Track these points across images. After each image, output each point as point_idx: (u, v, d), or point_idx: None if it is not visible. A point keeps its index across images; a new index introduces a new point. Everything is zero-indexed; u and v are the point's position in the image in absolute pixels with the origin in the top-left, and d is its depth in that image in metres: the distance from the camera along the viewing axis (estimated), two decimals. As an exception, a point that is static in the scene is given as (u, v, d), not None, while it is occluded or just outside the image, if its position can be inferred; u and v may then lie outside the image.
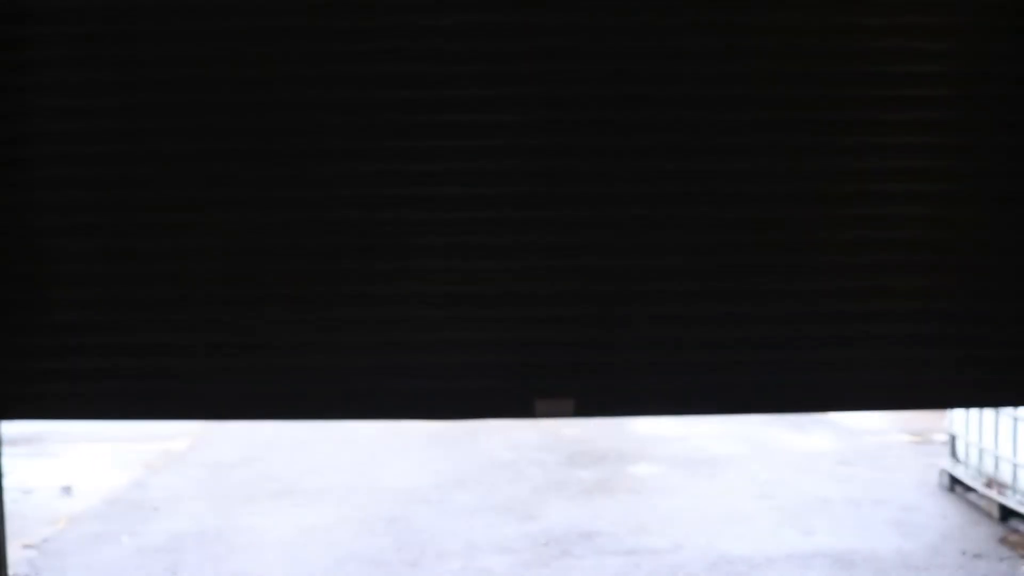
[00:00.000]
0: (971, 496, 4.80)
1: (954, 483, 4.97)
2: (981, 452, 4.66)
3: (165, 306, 2.73)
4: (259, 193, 2.68)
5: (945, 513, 4.69)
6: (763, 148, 2.71)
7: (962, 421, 4.87)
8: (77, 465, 5.79)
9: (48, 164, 2.69)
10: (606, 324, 2.77)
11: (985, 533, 4.37)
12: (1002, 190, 2.74)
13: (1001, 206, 2.74)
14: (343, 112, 2.66)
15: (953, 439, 4.99)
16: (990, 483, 4.59)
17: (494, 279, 2.74)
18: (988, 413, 4.60)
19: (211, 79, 2.64)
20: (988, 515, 4.57)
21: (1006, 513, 4.47)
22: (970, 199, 2.74)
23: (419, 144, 2.68)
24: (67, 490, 5.19)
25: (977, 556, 4.09)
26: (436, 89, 2.65)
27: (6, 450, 6.11)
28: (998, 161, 2.73)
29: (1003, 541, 4.27)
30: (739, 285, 2.75)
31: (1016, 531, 4.38)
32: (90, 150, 2.67)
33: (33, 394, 2.79)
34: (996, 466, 4.53)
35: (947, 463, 5.03)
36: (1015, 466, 4.35)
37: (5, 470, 5.54)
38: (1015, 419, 4.35)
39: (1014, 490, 4.37)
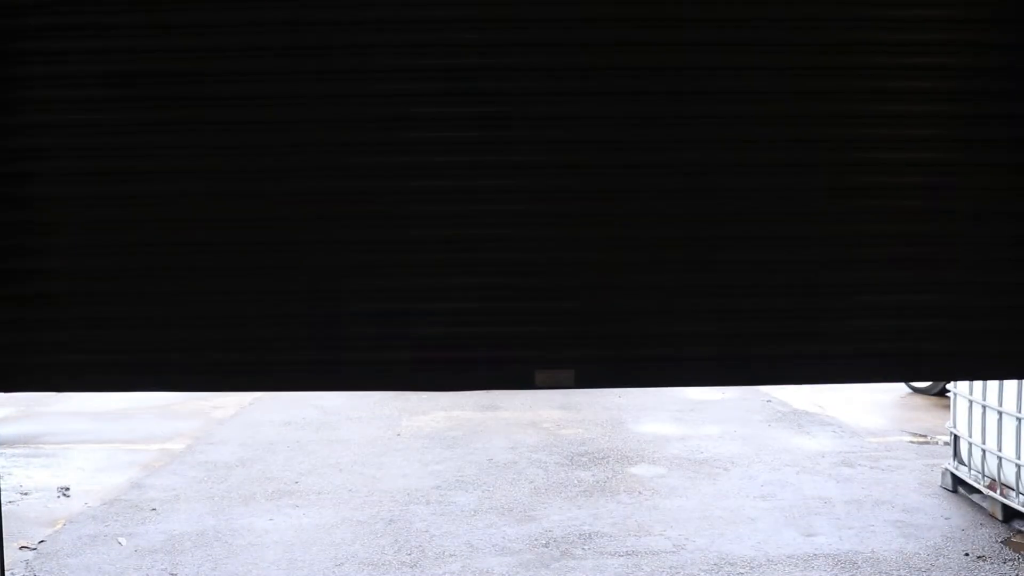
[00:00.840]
0: (974, 497, 4.78)
1: (957, 484, 4.94)
2: (984, 453, 4.64)
3: (157, 277, 2.70)
4: (248, 162, 2.65)
5: (948, 514, 4.66)
6: (767, 117, 2.67)
7: (965, 422, 4.85)
8: (74, 466, 5.77)
9: (41, 135, 2.66)
10: (606, 294, 2.74)
11: (988, 535, 4.35)
12: (1010, 158, 2.71)
13: (1009, 175, 2.71)
14: (339, 82, 2.63)
15: (956, 440, 4.96)
16: (993, 484, 4.56)
17: (493, 248, 2.72)
18: (991, 414, 4.58)
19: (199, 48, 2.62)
20: (991, 517, 4.54)
21: (1009, 514, 4.45)
22: (977, 167, 2.71)
23: (419, 111, 2.65)
24: (64, 491, 5.17)
25: (980, 558, 4.07)
26: (435, 58, 2.63)
27: (3, 451, 6.11)
28: (1004, 130, 2.70)
29: (1006, 543, 4.25)
30: (740, 255, 2.72)
31: (1020, 532, 4.35)
32: (80, 118, 2.64)
33: (24, 365, 2.76)
34: (999, 467, 4.50)
35: (950, 464, 5.01)
36: (1018, 467, 4.33)
37: (2, 472, 5.54)
38: (1018, 420, 4.33)
39: (1018, 491, 4.34)
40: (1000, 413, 4.48)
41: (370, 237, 2.69)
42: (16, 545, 4.27)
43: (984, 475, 4.66)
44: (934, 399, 7.45)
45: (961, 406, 4.89)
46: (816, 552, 4.15)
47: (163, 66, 2.62)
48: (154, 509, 4.85)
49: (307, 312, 2.71)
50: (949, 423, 5.07)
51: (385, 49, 2.63)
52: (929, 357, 2.79)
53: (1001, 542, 4.26)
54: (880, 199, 2.72)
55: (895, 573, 3.92)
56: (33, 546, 4.31)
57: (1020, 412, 4.32)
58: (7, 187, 2.66)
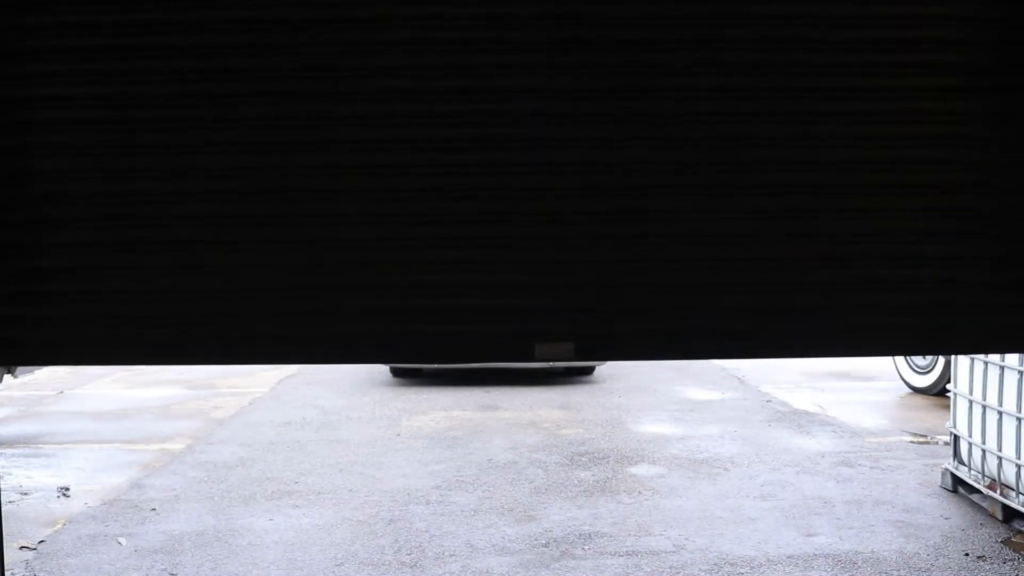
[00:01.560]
0: (974, 497, 4.78)
1: (957, 484, 4.94)
2: (984, 453, 4.64)
3: (156, 249, 2.70)
4: (254, 135, 2.65)
5: (948, 514, 4.66)
6: (777, 89, 2.66)
7: (964, 422, 4.85)
8: (74, 466, 5.77)
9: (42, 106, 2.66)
10: (606, 267, 2.74)
11: (988, 535, 4.35)
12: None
13: None
14: (342, 53, 2.63)
15: (956, 440, 4.96)
16: (993, 484, 4.56)
17: (494, 221, 2.71)
18: (991, 414, 4.58)
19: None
20: (991, 517, 4.54)
21: (1010, 514, 4.45)
22: (1000, 141, 2.70)
23: (424, 85, 2.64)
24: (64, 491, 5.17)
25: (980, 558, 4.07)
26: (442, 31, 2.62)
27: (3, 451, 6.11)
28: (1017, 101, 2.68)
29: (1007, 543, 4.25)
30: (742, 228, 2.71)
31: (1020, 532, 4.35)
32: (85, 91, 2.64)
33: (21, 338, 2.76)
34: (999, 467, 4.50)
35: (950, 464, 5.01)
36: (1019, 467, 4.33)
37: (2, 472, 5.54)
38: (1019, 419, 4.32)
39: (1018, 491, 4.34)
40: (1000, 413, 4.48)
41: (369, 210, 2.69)
42: (16, 545, 4.27)
43: (984, 475, 4.66)
44: (934, 399, 7.45)
45: (961, 406, 4.89)
46: (816, 552, 4.15)
47: (168, 39, 2.61)
48: (154, 509, 4.85)
49: (308, 285, 2.70)
50: (949, 423, 5.07)
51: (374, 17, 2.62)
52: (957, 331, 2.78)
53: (1001, 542, 4.26)
54: (903, 172, 2.68)
55: (895, 573, 3.92)
56: (33, 546, 4.31)
57: (1020, 412, 4.32)
58: (10, 163, 2.65)
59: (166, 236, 2.67)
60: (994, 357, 4.53)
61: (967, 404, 4.82)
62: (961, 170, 2.68)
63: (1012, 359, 4.39)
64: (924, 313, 2.74)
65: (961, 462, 4.91)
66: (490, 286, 2.72)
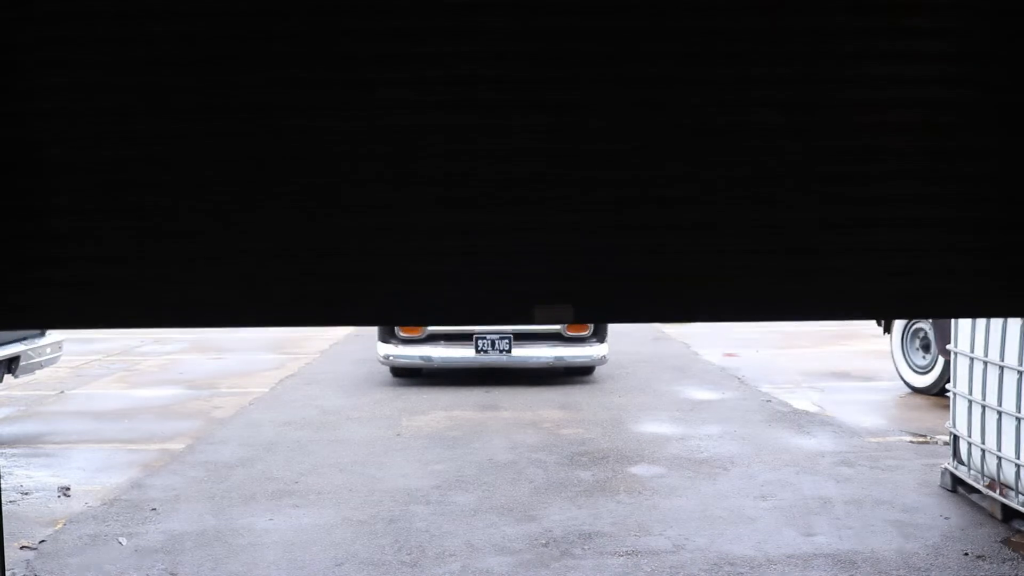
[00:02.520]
0: (973, 497, 4.79)
1: (956, 484, 4.95)
2: (983, 453, 4.64)
3: (162, 209, 2.69)
4: (260, 100, 2.64)
5: (947, 514, 4.67)
6: (777, 55, 2.64)
7: (964, 421, 4.86)
8: (75, 466, 5.78)
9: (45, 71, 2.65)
10: (605, 229, 2.73)
11: (988, 534, 4.36)
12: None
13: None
14: (350, 16, 2.62)
15: (955, 440, 4.97)
16: (992, 484, 4.57)
17: (491, 184, 2.70)
18: (991, 413, 4.58)
19: None
20: (991, 516, 4.55)
21: (1009, 514, 4.46)
22: (994, 108, 2.69)
23: (422, 51, 2.63)
24: (65, 491, 5.18)
25: (980, 557, 4.07)
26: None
27: (3, 451, 6.11)
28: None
29: (1006, 542, 4.26)
30: (742, 192, 2.70)
31: (1019, 532, 4.36)
32: (88, 58, 2.63)
33: (25, 302, 2.76)
34: (999, 467, 4.51)
35: (949, 464, 5.02)
36: (1018, 467, 4.34)
37: (3, 471, 5.55)
38: (1018, 419, 4.33)
39: (1017, 491, 4.35)
40: (1000, 413, 4.49)
41: (369, 176, 2.68)
42: (17, 545, 4.28)
43: (983, 475, 4.67)
44: (933, 399, 7.46)
45: (960, 406, 4.90)
46: (816, 552, 4.16)
47: (166, 5, 2.60)
48: (154, 509, 4.86)
49: (309, 248, 2.70)
50: (948, 423, 5.08)
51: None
52: (957, 295, 2.77)
53: (1000, 542, 4.27)
54: (902, 137, 2.68)
55: (894, 572, 3.93)
56: (34, 546, 4.32)
57: (1019, 412, 4.33)
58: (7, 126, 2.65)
59: (177, 199, 2.66)
60: (994, 357, 4.53)
61: (966, 404, 4.82)
62: (954, 133, 2.67)
63: (1012, 359, 4.39)
64: (913, 275, 2.74)
65: (960, 462, 4.92)
66: (490, 250, 2.71)
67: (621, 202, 2.69)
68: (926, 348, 7.65)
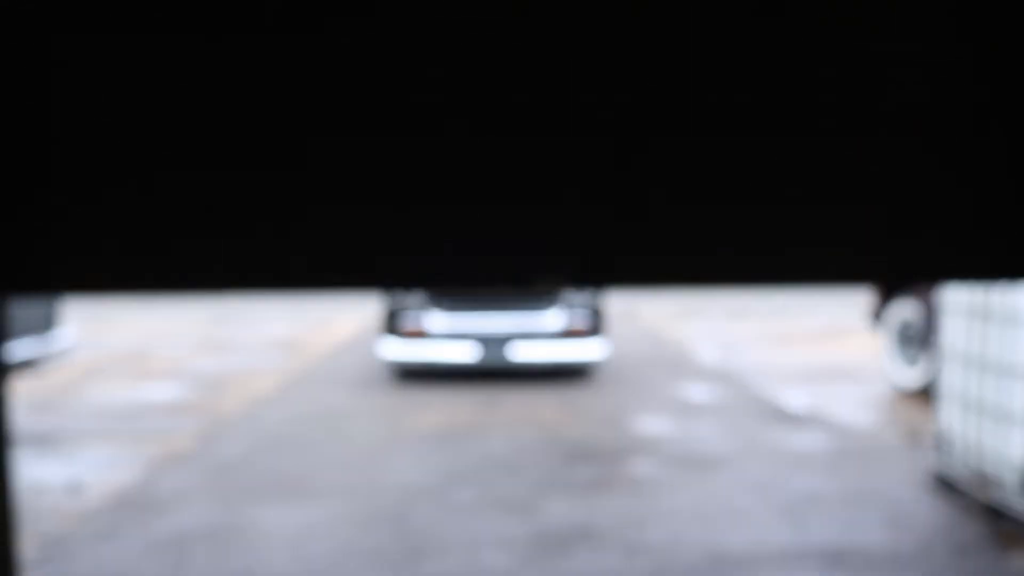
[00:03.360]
0: (960, 494, 4.91)
1: (944, 481, 5.07)
2: (971, 450, 4.76)
3: (170, 171, 2.79)
4: (267, 62, 2.74)
5: (935, 510, 4.79)
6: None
7: (951, 419, 4.97)
8: (85, 462, 5.90)
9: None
10: (604, 194, 2.82)
11: (974, 530, 4.48)
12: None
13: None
14: None
15: (943, 437, 5.09)
16: (979, 480, 4.69)
17: (490, 149, 2.80)
18: (977, 411, 4.70)
19: None
20: (978, 512, 4.67)
21: (995, 510, 4.57)
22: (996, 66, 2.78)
23: (419, 21, 2.72)
24: (76, 488, 5.30)
25: (966, 552, 4.20)
26: None
27: (15, 448, 6.23)
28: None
29: (992, 538, 4.38)
30: (744, 156, 2.79)
31: (1005, 528, 4.48)
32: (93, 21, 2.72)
33: (36, 268, 2.85)
34: (985, 464, 4.63)
35: (937, 461, 5.14)
36: (1004, 464, 4.45)
37: (15, 468, 5.66)
38: (1003, 416, 4.45)
39: (1003, 487, 4.47)
40: (986, 410, 4.61)
41: (369, 143, 2.78)
42: (28, 540, 4.41)
43: (972, 471, 4.79)
44: (923, 396, 7.57)
45: (947, 403, 5.02)
46: (808, 546, 4.28)
47: None
48: (164, 505, 4.98)
49: (308, 212, 2.79)
50: (937, 420, 5.19)
51: None
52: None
53: (986, 537, 4.39)
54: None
55: (884, 566, 4.05)
56: (45, 541, 4.44)
57: (1005, 409, 4.45)
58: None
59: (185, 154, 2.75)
60: (980, 354, 4.65)
61: (953, 401, 4.94)
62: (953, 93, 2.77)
63: (997, 357, 4.51)
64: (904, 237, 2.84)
65: (947, 459, 5.04)
66: (486, 214, 2.79)
67: (620, 166, 2.78)
68: (915, 346, 7.77)
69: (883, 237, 2.13)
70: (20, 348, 6.39)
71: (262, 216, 2.55)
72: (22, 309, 6.55)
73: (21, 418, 7.28)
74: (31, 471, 5.67)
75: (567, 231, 2.33)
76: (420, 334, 8.29)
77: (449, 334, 8.30)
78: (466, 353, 8.24)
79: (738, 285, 2.39)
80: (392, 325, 8.37)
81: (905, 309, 7.78)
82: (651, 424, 6.83)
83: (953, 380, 4.96)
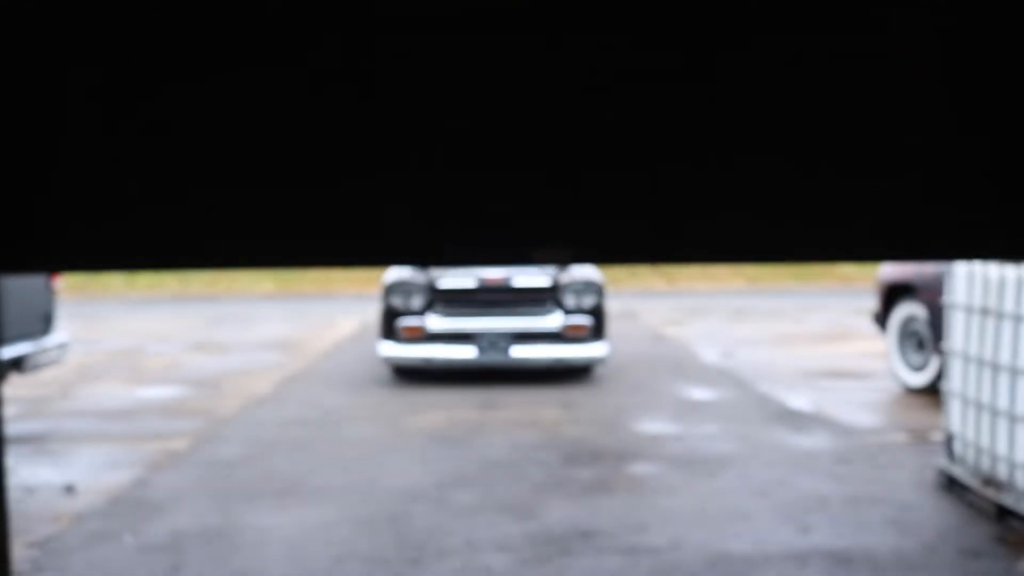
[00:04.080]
0: (968, 495, 4.84)
1: (951, 482, 5.00)
2: (978, 451, 4.70)
3: (177, 148, 2.70)
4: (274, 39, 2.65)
5: (942, 512, 4.72)
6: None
7: (959, 420, 4.91)
8: (80, 464, 5.83)
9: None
10: (604, 169, 2.74)
11: (982, 532, 4.41)
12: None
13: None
14: None
15: (950, 438, 5.02)
16: (987, 482, 4.62)
17: (488, 119, 2.71)
18: (985, 412, 4.64)
19: None
20: (985, 514, 4.60)
21: (1003, 512, 4.51)
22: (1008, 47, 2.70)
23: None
24: (69, 489, 5.23)
25: (974, 555, 4.13)
26: None
27: (9, 449, 6.16)
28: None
29: (1000, 540, 4.31)
30: (748, 128, 2.71)
31: (1013, 530, 4.41)
32: None
33: (41, 245, 2.77)
34: (993, 465, 4.56)
35: (944, 462, 5.07)
36: (1012, 465, 4.39)
37: (8, 469, 5.60)
38: (1012, 418, 4.38)
39: (1011, 489, 4.41)
40: (993, 412, 4.54)
41: (370, 112, 2.69)
42: (22, 542, 4.34)
43: (978, 473, 4.72)
44: (929, 398, 7.51)
45: (955, 404, 4.96)
46: (812, 549, 4.21)
47: None
48: (159, 506, 4.91)
49: (310, 189, 2.71)
50: (944, 421, 5.13)
51: None
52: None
53: (995, 540, 4.32)
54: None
55: (890, 570, 3.98)
56: (39, 543, 4.37)
57: (1013, 411, 4.38)
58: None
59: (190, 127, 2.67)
60: (987, 355, 4.59)
61: (960, 402, 4.88)
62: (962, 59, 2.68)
63: (1005, 358, 4.45)
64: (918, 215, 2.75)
65: (955, 460, 4.97)
66: (485, 188, 2.70)
67: (620, 141, 2.68)
68: (921, 347, 7.70)
69: (903, 212, 1.90)
70: (14, 348, 6.32)
71: (266, 196, 2.29)
72: (17, 309, 6.48)
73: (15, 419, 7.21)
74: (25, 473, 5.60)
75: (569, 201, 2.12)
76: (420, 333, 8.23)
77: (449, 334, 8.24)
78: (466, 353, 8.18)
79: (749, 259, 2.15)
80: (391, 325, 8.30)
81: (910, 310, 7.72)
82: (653, 425, 6.77)
83: (960, 381, 4.89)
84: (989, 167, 1.82)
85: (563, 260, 2.82)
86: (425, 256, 2.56)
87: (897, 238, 2.09)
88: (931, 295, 7.09)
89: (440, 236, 2.31)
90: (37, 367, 6.65)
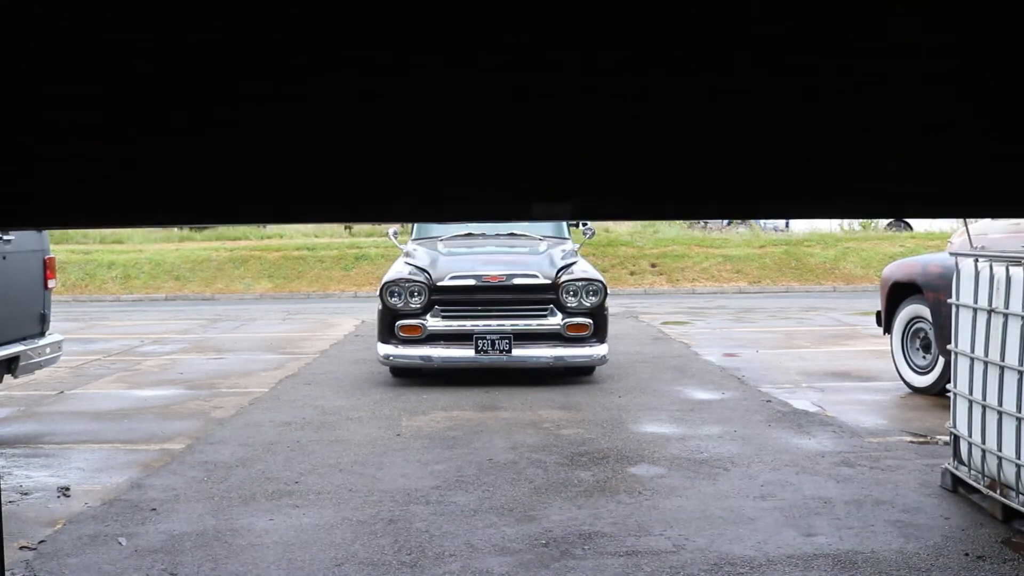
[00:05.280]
0: (974, 498, 4.78)
1: (957, 484, 4.95)
2: (984, 453, 4.64)
3: (168, 104, 2.63)
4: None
5: (948, 514, 4.66)
6: None
7: (964, 421, 4.85)
8: (74, 466, 5.77)
9: None
10: (606, 124, 2.67)
11: (988, 535, 4.35)
12: None
13: None
14: None
15: (956, 440, 4.97)
16: (993, 484, 4.56)
17: (485, 70, 2.64)
18: (991, 414, 4.58)
19: None
20: (992, 517, 4.54)
21: (1009, 514, 4.45)
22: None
23: None
24: (64, 491, 5.17)
25: (980, 558, 4.07)
26: None
27: (3, 451, 6.10)
28: None
29: (1006, 543, 4.25)
30: (750, 82, 2.64)
31: (1020, 533, 4.35)
32: None
33: (34, 199, 2.70)
34: (999, 467, 4.50)
35: (949, 464, 5.01)
36: (1018, 467, 4.33)
37: (2, 471, 5.54)
38: (1018, 420, 4.32)
39: (1018, 491, 4.35)
40: (1000, 413, 4.48)
41: (370, 66, 2.63)
42: (16, 545, 4.28)
43: (984, 475, 4.66)
44: (934, 399, 7.45)
45: (960, 406, 4.90)
46: (816, 552, 4.15)
47: None
48: (154, 509, 4.85)
49: (311, 142, 2.64)
50: (949, 423, 5.07)
51: None
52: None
53: (1001, 542, 4.26)
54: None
55: (895, 573, 3.92)
56: (33, 546, 4.31)
57: (1020, 412, 4.32)
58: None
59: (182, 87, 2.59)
60: (994, 357, 4.53)
61: (967, 404, 4.82)
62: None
63: (1012, 359, 4.39)
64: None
65: (961, 462, 4.91)
66: (483, 141, 2.63)
67: (623, 95, 2.60)
68: (926, 348, 7.65)
69: (899, 168, 1.80)
70: (8, 349, 6.26)
71: (259, 154, 2.12)
72: (11, 310, 6.42)
73: (9, 421, 7.15)
74: (19, 475, 5.54)
75: (568, 155, 1.99)
76: (419, 333, 8.16)
77: (448, 334, 8.17)
78: (466, 352, 8.11)
79: (743, 212, 2.01)
80: (390, 325, 8.23)
81: (915, 310, 7.67)
82: (654, 426, 6.71)
83: (966, 382, 4.83)
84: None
85: (563, 216, 2.64)
86: (425, 209, 2.40)
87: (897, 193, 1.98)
88: (936, 295, 7.03)
89: (440, 187, 2.16)
90: (31, 368, 6.58)
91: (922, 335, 7.69)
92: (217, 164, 1.84)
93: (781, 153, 1.99)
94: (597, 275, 8.53)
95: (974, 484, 4.73)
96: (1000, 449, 4.48)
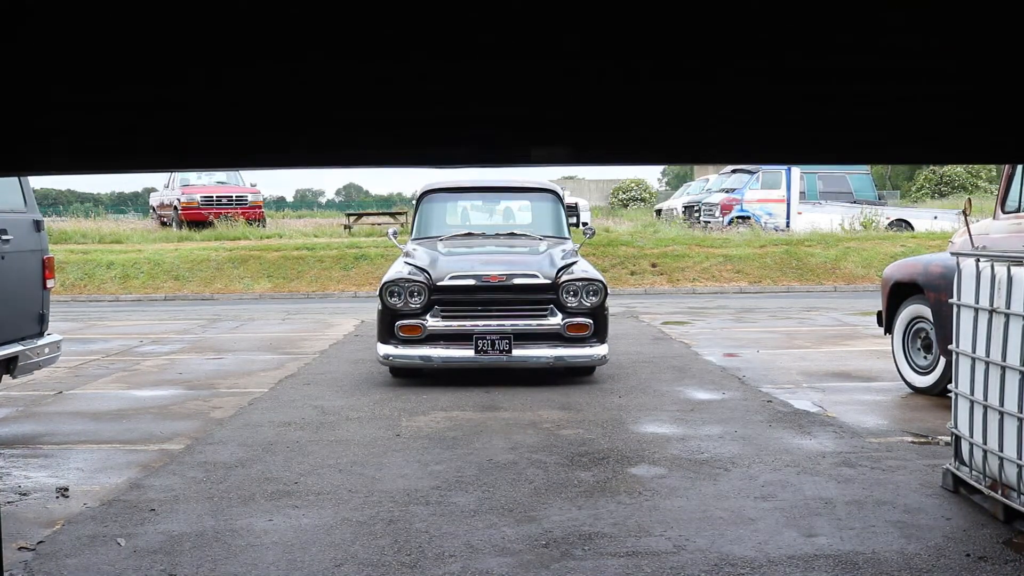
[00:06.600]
0: (975, 498, 4.77)
1: (958, 485, 4.93)
2: (985, 454, 4.63)
3: (168, 48, 2.59)
4: None
5: (949, 515, 4.65)
6: None
7: (965, 422, 4.84)
8: (73, 467, 5.76)
9: None
10: (606, 66, 2.64)
11: (990, 535, 4.34)
12: None
13: None
14: None
15: (957, 440, 4.95)
16: (995, 485, 4.55)
17: (487, 22, 2.61)
18: (992, 414, 4.56)
19: None
20: (993, 518, 4.53)
21: (1011, 515, 4.44)
22: None
23: None
24: (63, 492, 5.16)
25: (982, 559, 4.06)
26: None
27: (1, 452, 6.09)
28: None
29: (1008, 544, 4.24)
30: (745, 30, 2.61)
31: (1021, 533, 4.34)
32: None
33: (36, 148, 2.66)
34: (1001, 468, 4.49)
35: (951, 465, 5.00)
36: (1020, 468, 4.32)
37: (0, 472, 5.53)
38: (1019, 420, 4.31)
39: (1019, 492, 4.33)
40: (1001, 413, 4.47)
41: (370, 20, 2.59)
42: (15, 545, 4.27)
43: (985, 476, 4.65)
44: (935, 399, 7.44)
45: (962, 406, 4.88)
46: (817, 553, 4.14)
47: None
48: (153, 510, 4.84)
49: (310, 91, 2.60)
50: (950, 423, 5.06)
51: None
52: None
53: (1003, 543, 4.25)
54: None
55: (896, 574, 3.91)
56: (32, 546, 4.30)
57: (1021, 412, 4.31)
58: None
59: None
60: (995, 357, 4.51)
61: (968, 404, 4.81)
62: None
63: (1014, 359, 4.37)
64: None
65: (962, 462, 4.90)
66: (482, 84, 2.59)
67: (622, 40, 2.57)
68: (927, 348, 7.63)
69: (887, 113, 1.78)
70: (6, 349, 6.24)
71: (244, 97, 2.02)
72: (9, 310, 6.40)
73: (8, 421, 7.14)
74: (17, 475, 5.52)
75: (565, 97, 1.94)
76: (418, 333, 8.15)
77: (448, 334, 8.16)
78: (465, 352, 8.10)
79: (739, 158, 1.99)
80: (390, 325, 8.22)
81: (916, 310, 7.65)
82: (655, 426, 6.69)
83: (968, 382, 4.82)
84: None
85: (561, 160, 2.54)
86: (424, 152, 2.33)
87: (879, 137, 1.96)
88: (937, 295, 7.02)
89: (439, 132, 2.11)
90: (29, 368, 6.57)
91: (923, 335, 7.68)
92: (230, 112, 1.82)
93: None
94: (597, 275, 8.51)
95: (975, 485, 4.72)
96: (1001, 449, 4.46)
